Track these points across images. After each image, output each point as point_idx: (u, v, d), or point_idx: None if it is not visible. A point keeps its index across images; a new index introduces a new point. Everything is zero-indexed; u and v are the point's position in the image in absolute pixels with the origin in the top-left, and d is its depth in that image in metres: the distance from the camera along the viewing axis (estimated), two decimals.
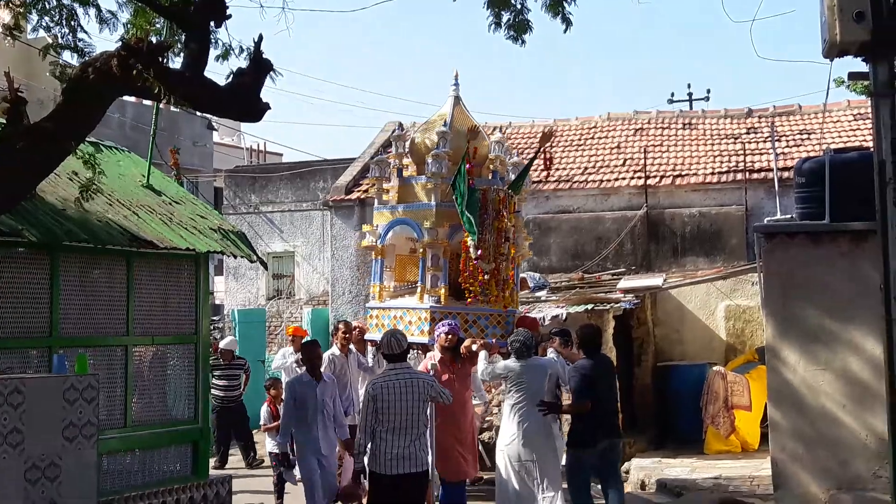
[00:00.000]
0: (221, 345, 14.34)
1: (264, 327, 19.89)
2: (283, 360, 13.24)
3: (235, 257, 9.64)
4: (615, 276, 15.67)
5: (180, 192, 10.25)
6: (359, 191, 18.99)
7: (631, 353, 14.82)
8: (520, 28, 9.10)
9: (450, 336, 9.39)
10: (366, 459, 7.66)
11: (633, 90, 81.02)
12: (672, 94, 32.04)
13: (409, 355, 10.85)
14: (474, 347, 9.33)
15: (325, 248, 21.15)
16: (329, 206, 19.36)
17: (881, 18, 6.45)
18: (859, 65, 6.71)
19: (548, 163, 11.09)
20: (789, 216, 9.79)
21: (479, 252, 9.57)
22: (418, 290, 10.07)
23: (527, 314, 11.44)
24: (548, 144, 10.79)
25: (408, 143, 10.80)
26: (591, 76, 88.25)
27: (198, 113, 23.23)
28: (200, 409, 9.17)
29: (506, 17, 9.03)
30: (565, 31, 9.16)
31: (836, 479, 8.40)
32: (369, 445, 7.61)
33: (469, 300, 9.87)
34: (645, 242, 16.54)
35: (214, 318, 21.91)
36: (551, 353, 9.83)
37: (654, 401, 14.73)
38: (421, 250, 10.07)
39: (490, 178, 10.33)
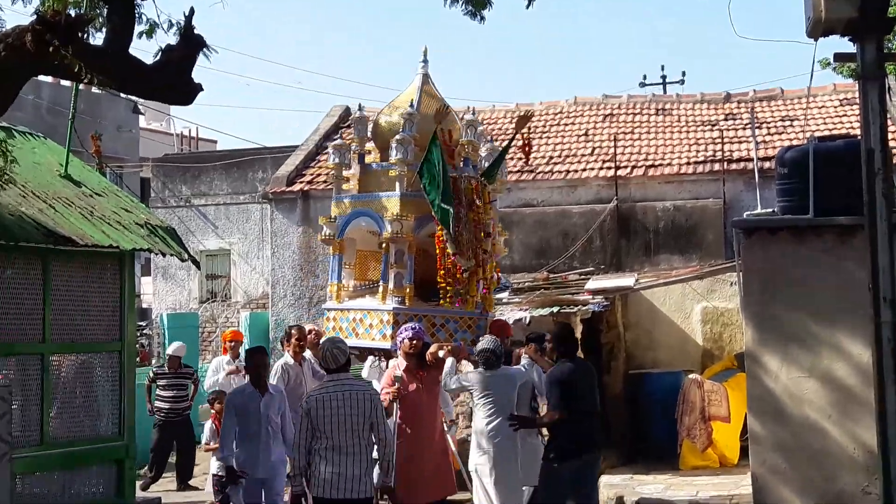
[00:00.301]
0: (169, 351, 13.90)
1: (197, 333, 19.74)
2: (214, 375, 12.83)
3: (164, 255, 9.55)
4: (583, 276, 15.73)
5: (102, 182, 10.13)
6: (302, 182, 18.90)
7: (600, 359, 14.88)
8: (478, 3, 9.10)
9: (414, 341, 9.18)
10: (304, 482, 7.56)
11: (602, 72, 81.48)
12: (644, 77, 32.22)
13: (371, 362, 10.74)
14: (441, 353, 9.17)
15: (264, 245, 21.03)
16: (269, 199, 19.25)
17: None
18: (846, 45, 6.77)
19: (526, 148, 11.02)
20: (770, 210, 9.88)
21: (458, 248, 9.51)
22: (380, 289, 9.96)
23: (498, 318, 11.32)
24: (525, 129, 10.73)
25: (370, 126, 10.71)
26: (557, 57, 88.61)
27: (122, 95, 23.03)
28: (126, 424, 9.09)
29: None
30: (528, 7, 9.20)
31: (822, 496, 8.48)
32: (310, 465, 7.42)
33: (442, 302, 9.76)
34: (615, 239, 16.62)
35: (141, 323, 21.74)
36: (525, 361, 9.67)
37: (625, 412, 14.79)
38: (384, 245, 9.96)
39: (462, 165, 10.24)
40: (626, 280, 14.99)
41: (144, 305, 25.37)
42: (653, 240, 16.55)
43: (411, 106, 10.23)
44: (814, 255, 8.66)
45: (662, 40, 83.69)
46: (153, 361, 20.10)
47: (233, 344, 13.10)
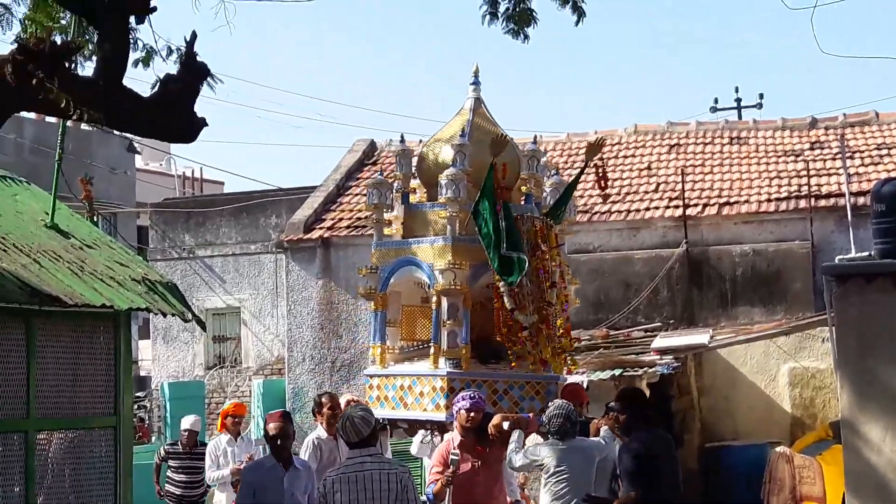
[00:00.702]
0: (185, 425, 13.30)
1: (203, 405, 19.80)
2: (214, 466, 12.23)
3: (165, 315, 9.59)
4: (648, 333, 15.66)
5: (94, 233, 10.21)
6: (322, 228, 18.99)
7: (671, 430, 14.75)
8: (521, 19, 9.19)
9: (472, 413, 8.82)
10: None
11: (666, 96, 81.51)
12: (716, 101, 32.21)
13: (422, 437, 10.31)
14: (506, 426, 8.84)
15: (279, 302, 21.09)
16: (284, 249, 19.35)
17: None
18: None
19: (602, 181, 10.81)
20: (867, 253, 9.81)
21: (517, 303, 9.36)
22: (431, 351, 9.80)
23: (571, 381, 11.05)
24: (597, 157, 10.61)
25: (415, 161, 10.65)
26: (614, 79, 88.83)
27: (115, 132, 23.29)
28: None
29: (504, 5, 9.12)
30: (577, 24, 9.25)
31: None
32: None
33: (514, 363, 9.62)
34: (685, 289, 16.54)
35: (139, 394, 21.81)
36: (605, 433, 9.43)
37: (702, 491, 14.65)
38: (434, 299, 9.81)
39: (523, 202, 10.17)
40: (699, 337, 14.89)
41: (143, 373, 25.46)
42: (729, 289, 16.46)
43: (462, 135, 10.02)
44: None
45: (736, 58, 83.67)
46: (153, 439, 20.13)
47: (234, 420, 12.53)
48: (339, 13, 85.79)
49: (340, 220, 19.03)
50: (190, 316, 9.67)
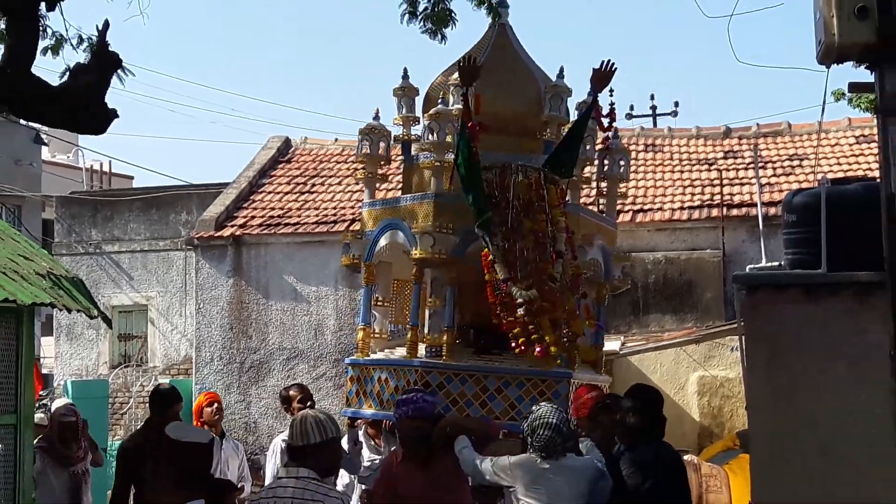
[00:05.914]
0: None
1: (106, 405, 19.51)
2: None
3: (70, 312, 9.44)
4: None
5: None
6: (233, 225, 18.83)
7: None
8: (440, 19, 9.20)
9: (416, 421, 7.10)
10: None
11: (579, 101, 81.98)
12: (631, 108, 32.53)
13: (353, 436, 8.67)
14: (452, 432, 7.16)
15: (187, 300, 20.89)
16: (194, 246, 19.16)
17: (890, 14, 6.50)
18: (863, 73, 6.82)
19: (609, 117, 8.92)
20: (777, 263, 9.93)
21: (511, 272, 7.90)
22: (408, 336, 8.38)
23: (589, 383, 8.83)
24: (607, 84, 8.94)
25: (420, 100, 9.22)
26: None
27: (22, 122, 22.91)
28: None
29: (423, 4, 9.15)
30: (494, 23, 9.28)
31: None
32: None
33: (518, 350, 7.95)
34: None
35: (41, 392, 21.45)
36: (587, 447, 7.50)
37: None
38: (414, 270, 8.42)
39: (543, 154, 8.67)
40: (610, 344, 14.97)
41: (45, 371, 25.04)
42: (641, 297, 16.59)
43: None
44: (828, 317, 8.65)
45: (652, 66, 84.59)
46: None
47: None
48: (256, 6, 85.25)
49: (253, 218, 18.89)
50: (95, 312, 9.55)
